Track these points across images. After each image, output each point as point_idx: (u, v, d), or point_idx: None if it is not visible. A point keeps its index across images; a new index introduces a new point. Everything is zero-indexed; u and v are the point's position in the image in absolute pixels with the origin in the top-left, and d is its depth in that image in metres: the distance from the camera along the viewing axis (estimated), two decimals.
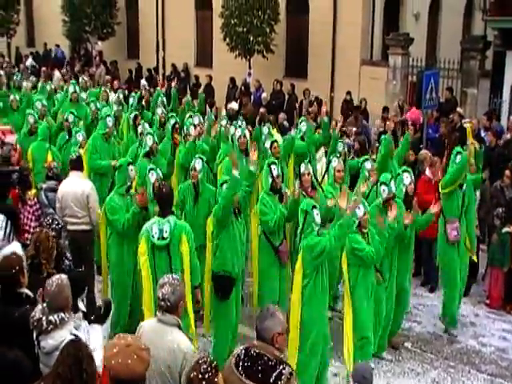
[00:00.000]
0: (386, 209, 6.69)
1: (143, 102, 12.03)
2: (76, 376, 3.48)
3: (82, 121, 10.79)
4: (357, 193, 7.12)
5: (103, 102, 12.21)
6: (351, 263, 6.28)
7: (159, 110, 10.34)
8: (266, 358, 3.60)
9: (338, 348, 6.56)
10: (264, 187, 7.08)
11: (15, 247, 5.75)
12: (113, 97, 12.72)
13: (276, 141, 8.85)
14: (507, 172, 8.64)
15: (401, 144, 9.04)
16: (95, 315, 4.86)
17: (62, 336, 4.13)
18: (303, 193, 7.25)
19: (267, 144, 8.75)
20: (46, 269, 5.18)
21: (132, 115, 9.87)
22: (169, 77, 20.56)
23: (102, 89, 13.48)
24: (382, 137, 9.02)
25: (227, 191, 6.32)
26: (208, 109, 13.24)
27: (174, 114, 10.30)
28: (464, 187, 7.47)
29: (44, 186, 7.71)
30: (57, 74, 19.66)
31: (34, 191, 7.65)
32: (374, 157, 9.26)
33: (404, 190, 7.00)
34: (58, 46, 24.89)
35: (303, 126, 9.39)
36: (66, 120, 10.00)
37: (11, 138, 8.73)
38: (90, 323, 4.68)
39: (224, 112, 11.63)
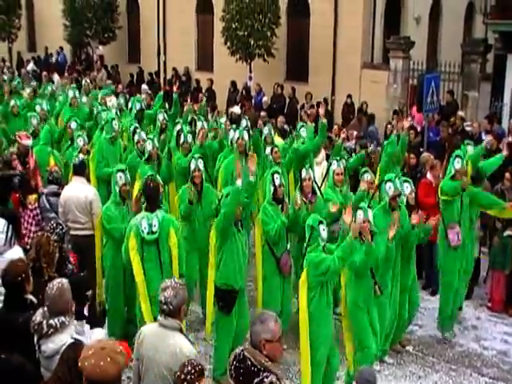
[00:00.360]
0: (391, 209, 6.68)
1: (143, 106, 11.99)
2: (76, 378, 3.48)
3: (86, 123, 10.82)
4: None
5: (103, 106, 12.20)
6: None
7: (160, 117, 10.36)
8: (249, 362, 3.55)
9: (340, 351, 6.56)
10: (266, 196, 7.09)
11: (16, 252, 5.77)
12: (114, 101, 12.69)
13: (276, 146, 8.84)
14: (507, 175, 8.64)
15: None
16: (95, 319, 4.87)
17: (63, 340, 4.13)
18: (303, 198, 7.27)
19: (267, 150, 8.73)
20: (47, 272, 5.21)
21: (132, 128, 9.81)
22: (170, 81, 20.60)
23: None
24: (392, 137, 8.98)
25: (230, 201, 6.32)
26: (209, 114, 13.22)
27: (180, 121, 10.28)
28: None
29: (45, 190, 7.72)
30: (56, 77, 19.70)
31: (34, 196, 7.65)
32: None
33: (405, 200, 6.95)
34: (61, 48, 24.93)
35: (303, 132, 9.37)
36: (70, 127, 9.97)
37: (27, 143, 8.72)
38: (91, 327, 4.69)
39: (224, 118, 11.63)
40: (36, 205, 7.54)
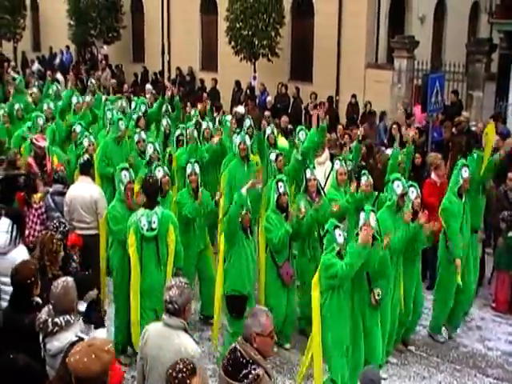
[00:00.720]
0: (398, 209, 6.65)
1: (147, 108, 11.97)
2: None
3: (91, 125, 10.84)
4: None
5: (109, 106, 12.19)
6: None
7: (164, 122, 10.36)
8: (239, 354, 3.68)
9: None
10: (270, 204, 7.10)
11: (21, 251, 5.79)
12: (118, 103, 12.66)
13: (282, 153, 8.85)
14: (510, 175, 8.60)
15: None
16: (98, 319, 4.88)
17: (68, 338, 4.15)
18: (308, 199, 7.29)
19: (272, 156, 8.75)
20: (51, 270, 5.28)
21: (136, 138, 9.80)
22: (174, 80, 20.62)
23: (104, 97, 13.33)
24: (394, 151, 8.95)
25: (233, 207, 6.46)
26: (215, 114, 13.23)
27: (181, 126, 10.28)
28: (464, 198, 7.41)
29: (50, 189, 7.74)
30: (59, 77, 19.72)
31: (39, 195, 7.67)
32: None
33: (410, 205, 6.84)
34: (67, 47, 24.93)
35: (302, 135, 9.36)
36: (74, 131, 9.93)
37: (43, 144, 8.74)
38: (95, 328, 4.69)
39: (229, 117, 11.63)
40: (41, 204, 7.56)
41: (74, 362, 3.33)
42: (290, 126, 12.92)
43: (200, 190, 7.43)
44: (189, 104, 14.31)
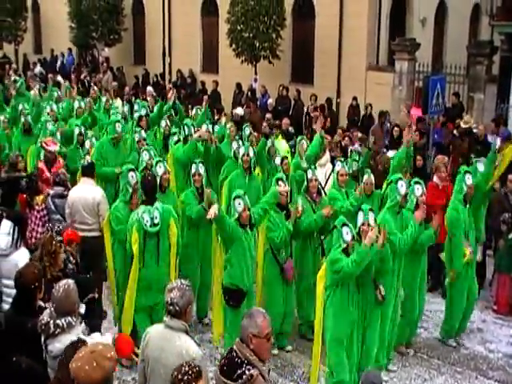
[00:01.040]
0: (400, 208, 6.65)
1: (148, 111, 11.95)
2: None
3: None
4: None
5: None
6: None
7: (163, 123, 10.37)
8: (234, 354, 3.70)
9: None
10: (269, 198, 7.06)
11: (23, 254, 5.80)
12: (119, 104, 12.71)
13: (286, 157, 8.84)
14: (510, 177, 8.61)
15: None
16: (96, 322, 4.89)
17: (69, 340, 4.14)
18: (308, 199, 7.31)
19: (277, 160, 8.74)
20: (50, 271, 5.30)
21: (137, 138, 9.81)
22: (175, 83, 20.64)
23: (104, 98, 13.32)
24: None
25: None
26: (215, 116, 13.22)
27: (177, 132, 10.22)
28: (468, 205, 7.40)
29: (51, 192, 7.75)
30: (60, 79, 19.74)
31: (41, 197, 7.68)
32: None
33: (415, 202, 6.86)
34: (70, 50, 24.97)
35: (303, 145, 9.32)
36: (80, 134, 9.94)
37: (54, 148, 8.75)
38: (92, 330, 4.69)
39: (229, 123, 11.61)
40: (43, 206, 7.57)
41: (76, 369, 3.34)
42: (291, 129, 12.94)
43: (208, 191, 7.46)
44: (190, 107, 14.33)
